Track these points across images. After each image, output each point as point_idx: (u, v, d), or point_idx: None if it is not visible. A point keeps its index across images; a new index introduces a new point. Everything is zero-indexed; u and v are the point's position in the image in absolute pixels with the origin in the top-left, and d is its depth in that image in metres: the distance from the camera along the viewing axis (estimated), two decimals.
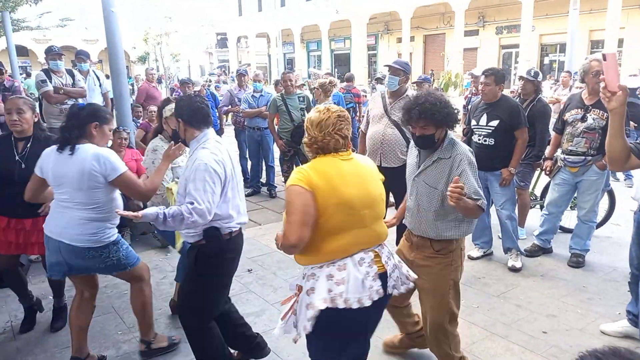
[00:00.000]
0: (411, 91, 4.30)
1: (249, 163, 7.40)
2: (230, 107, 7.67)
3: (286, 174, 6.59)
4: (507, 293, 3.88)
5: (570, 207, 4.89)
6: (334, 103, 6.05)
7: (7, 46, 12.39)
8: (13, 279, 3.50)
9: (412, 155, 2.74)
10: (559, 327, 3.38)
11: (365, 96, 10.68)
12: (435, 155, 2.56)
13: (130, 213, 2.33)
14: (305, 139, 2.15)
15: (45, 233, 2.74)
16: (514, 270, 4.27)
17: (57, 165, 2.64)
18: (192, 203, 2.38)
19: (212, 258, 2.59)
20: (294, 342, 2.21)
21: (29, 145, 3.13)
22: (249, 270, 4.38)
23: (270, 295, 3.91)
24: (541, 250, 4.64)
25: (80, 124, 2.68)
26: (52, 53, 5.80)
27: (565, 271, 4.30)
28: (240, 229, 2.73)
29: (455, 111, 2.53)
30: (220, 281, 2.70)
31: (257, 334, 3.02)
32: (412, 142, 2.76)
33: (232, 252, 2.69)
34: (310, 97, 7.07)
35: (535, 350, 3.09)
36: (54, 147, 2.70)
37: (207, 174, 2.42)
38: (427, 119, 2.47)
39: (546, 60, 23.61)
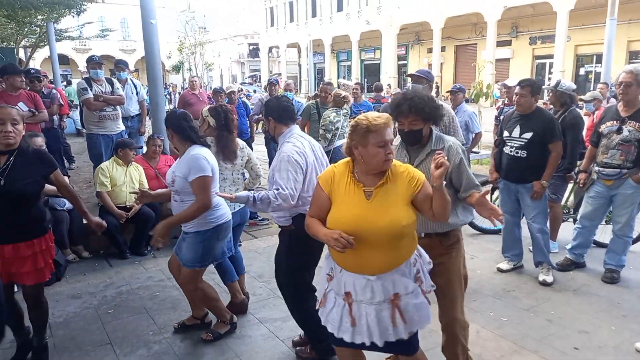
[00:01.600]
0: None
1: None
2: (261, 115, 7.80)
3: None
4: (538, 307, 3.81)
5: (605, 221, 4.76)
6: (364, 112, 6.15)
7: (50, 55, 12.95)
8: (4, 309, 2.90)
9: (400, 155, 2.66)
10: (592, 343, 3.30)
11: None
12: (428, 149, 2.61)
13: (226, 194, 2.71)
14: (348, 141, 2.23)
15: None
16: (544, 284, 4.18)
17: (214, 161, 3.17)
18: (277, 189, 2.73)
19: (302, 240, 2.77)
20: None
21: (12, 158, 2.76)
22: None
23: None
24: (574, 264, 4.53)
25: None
26: (93, 62, 6.05)
27: (599, 287, 4.18)
28: None
29: (440, 108, 2.61)
30: (310, 258, 3.03)
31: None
32: (397, 144, 2.72)
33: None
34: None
35: None
36: (202, 147, 3.16)
37: (290, 164, 2.77)
38: (416, 114, 2.52)
39: (582, 71, 23.09)
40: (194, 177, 3.00)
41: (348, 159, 2.26)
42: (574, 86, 4.67)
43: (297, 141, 2.89)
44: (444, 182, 2.11)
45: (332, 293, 2.29)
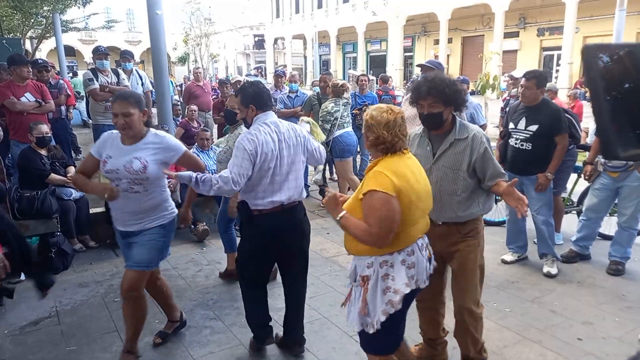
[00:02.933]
0: None
1: None
2: (238, 114, 7.78)
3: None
4: (542, 298, 3.81)
5: (610, 214, 4.75)
6: (369, 104, 6.12)
7: (56, 46, 12.97)
8: None
9: (421, 145, 2.68)
10: (596, 334, 3.30)
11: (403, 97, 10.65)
12: (452, 138, 2.58)
13: (168, 172, 2.73)
14: (372, 138, 2.20)
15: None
16: (549, 276, 4.18)
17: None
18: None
19: (245, 228, 3.02)
20: (369, 332, 2.24)
21: None
22: None
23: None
24: (579, 256, 4.52)
25: None
26: (99, 53, 6.07)
27: (604, 278, 4.18)
28: (279, 207, 2.87)
29: (463, 93, 2.56)
30: (250, 248, 2.97)
31: (303, 337, 3.17)
32: (413, 134, 2.74)
33: (259, 227, 2.89)
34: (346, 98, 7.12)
35: (570, 357, 3.03)
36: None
37: (238, 151, 2.75)
38: (436, 96, 2.49)
39: None
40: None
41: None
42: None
43: (257, 130, 2.82)
44: (341, 214, 2.17)
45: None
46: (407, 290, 2.17)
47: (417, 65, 4.52)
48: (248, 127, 2.95)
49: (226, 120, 4.04)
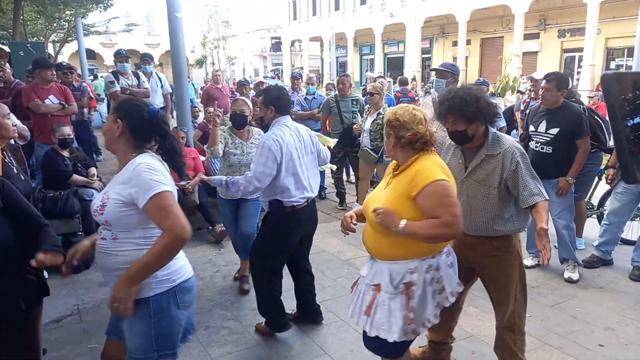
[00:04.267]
0: None
1: None
2: (258, 113, 7.80)
3: (336, 176, 6.64)
4: (563, 304, 3.76)
5: (632, 218, 4.65)
6: (388, 106, 6.09)
7: (78, 49, 13.24)
8: None
9: (455, 157, 2.65)
10: (618, 340, 3.24)
11: (418, 99, 10.59)
12: (483, 153, 2.51)
13: (203, 177, 3.11)
14: (409, 135, 2.17)
15: None
16: (570, 281, 4.12)
17: None
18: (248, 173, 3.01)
19: (274, 225, 3.18)
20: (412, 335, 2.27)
21: None
22: None
23: (319, 294, 3.95)
24: (601, 261, 4.44)
25: None
26: (120, 56, 6.18)
27: (626, 284, 4.10)
28: (306, 202, 3.18)
29: (490, 106, 2.46)
30: (280, 244, 3.20)
31: (318, 305, 3.53)
32: (448, 143, 2.71)
33: (293, 223, 3.15)
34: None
35: None
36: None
37: (263, 149, 2.97)
38: (455, 114, 2.44)
39: (612, 65, 22.42)
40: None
41: None
42: None
43: (280, 131, 3.07)
44: (402, 223, 2.08)
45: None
46: (460, 289, 2.25)
47: (431, 70, 4.50)
48: (263, 127, 3.17)
49: (234, 124, 3.90)
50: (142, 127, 1.99)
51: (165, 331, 1.99)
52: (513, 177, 2.46)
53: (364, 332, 2.34)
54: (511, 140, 2.55)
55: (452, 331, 2.95)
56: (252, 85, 9.00)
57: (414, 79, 21.95)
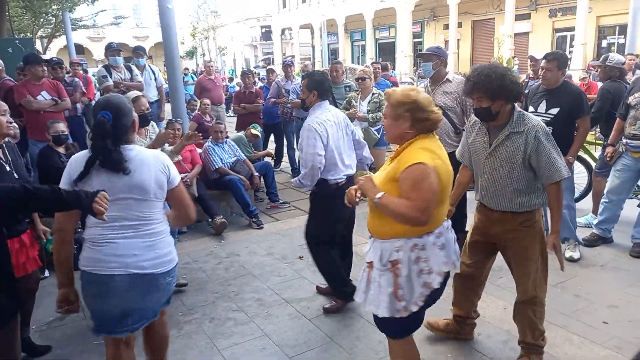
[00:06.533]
0: (452, 74, 4.24)
1: (297, 153, 7.49)
2: (277, 98, 7.76)
3: None
4: (565, 283, 3.78)
5: (632, 195, 4.67)
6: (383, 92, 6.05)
7: (67, 44, 13.06)
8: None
9: (480, 134, 2.70)
10: (621, 318, 3.27)
11: (412, 84, 10.55)
12: (507, 130, 2.56)
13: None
14: (423, 117, 2.17)
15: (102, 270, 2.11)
16: (571, 260, 4.14)
17: None
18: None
19: (322, 201, 3.41)
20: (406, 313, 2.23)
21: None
22: (300, 257, 4.47)
23: (322, 281, 3.97)
24: (601, 239, 4.47)
25: None
26: (112, 49, 6.09)
27: (627, 261, 4.13)
28: (347, 179, 3.38)
29: (515, 85, 2.49)
30: (330, 216, 3.40)
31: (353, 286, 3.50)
32: (474, 121, 2.77)
33: (340, 198, 3.22)
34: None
35: (596, 341, 3.00)
36: None
37: (310, 132, 3.20)
38: (480, 91, 2.50)
39: (604, 43, 22.40)
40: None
41: None
42: (623, 59, 4.58)
43: (321, 113, 3.30)
44: (380, 194, 2.11)
45: None
46: (447, 269, 2.22)
47: (417, 56, 4.53)
48: (305, 109, 3.44)
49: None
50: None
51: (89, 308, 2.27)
52: (536, 155, 2.51)
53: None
54: (536, 120, 2.59)
55: (476, 306, 3.01)
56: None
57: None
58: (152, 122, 4.02)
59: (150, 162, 2.18)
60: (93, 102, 7.54)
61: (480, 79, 2.48)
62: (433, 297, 2.25)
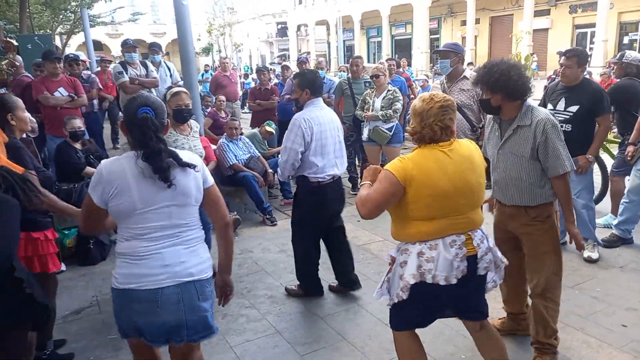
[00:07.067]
0: (469, 71, 4.17)
1: None
2: (292, 95, 7.72)
3: (347, 159, 6.60)
4: (583, 284, 3.70)
5: None
6: (398, 88, 6.00)
7: (85, 41, 13.20)
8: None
9: (493, 129, 2.76)
10: None
11: (427, 81, 10.48)
12: (515, 124, 2.59)
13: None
14: (408, 129, 2.28)
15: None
16: (590, 261, 4.05)
17: None
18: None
19: (304, 197, 3.49)
20: (388, 306, 2.39)
21: None
22: None
23: (332, 278, 3.95)
24: (620, 240, 4.37)
25: None
26: (128, 46, 6.13)
27: None
28: (332, 179, 3.46)
29: (520, 82, 2.52)
30: (314, 211, 3.48)
31: (355, 275, 3.71)
32: (489, 117, 2.82)
33: (320, 196, 3.44)
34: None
35: (614, 344, 2.94)
36: None
37: (294, 127, 3.28)
38: (480, 83, 2.60)
39: (625, 40, 21.94)
40: None
41: None
42: None
43: (311, 111, 3.36)
44: (362, 183, 2.36)
45: None
46: (412, 282, 2.16)
47: (433, 53, 4.48)
48: (298, 108, 3.48)
49: (178, 119, 3.53)
50: None
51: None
52: (544, 148, 2.53)
53: None
54: (545, 113, 2.60)
55: (526, 301, 2.99)
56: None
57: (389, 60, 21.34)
58: (194, 122, 3.83)
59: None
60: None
61: (482, 71, 2.58)
62: (412, 305, 2.23)
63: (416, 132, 2.19)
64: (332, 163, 3.44)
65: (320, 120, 3.34)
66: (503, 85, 2.50)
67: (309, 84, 3.36)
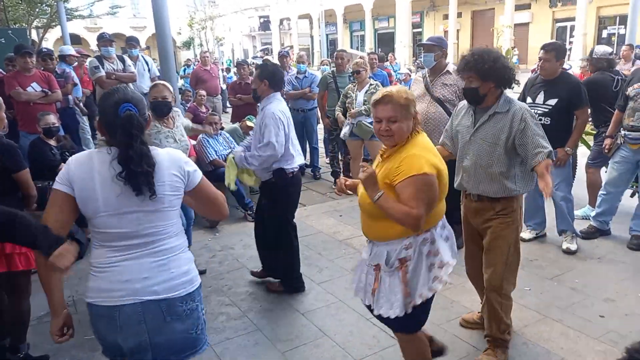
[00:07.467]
0: (452, 66, 4.17)
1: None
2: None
3: (331, 154, 6.56)
4: (562, 276, 3.74)
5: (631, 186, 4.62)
6: (380, 82, 5.98)
7: (62, 35, 12.91)
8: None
9: (466, 115, 2.74)
10: (618, 311, 3.23)
11: (409, 74, 10.48)
12: (492, 110, 2.59)
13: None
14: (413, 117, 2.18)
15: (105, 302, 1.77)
16: (568, 252, 4.10)
17: None
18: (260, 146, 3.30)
19: (283, 189, 3.51)
20: (411, 308, 2.17)
21: None
22: None
23: (316, 275, 3.94)
24: (598, 232, 4.42)
25: None
26: (104, 40, 6.00)
27: (625, 254, 4.09)
28: (299, 168, 3.55)
29: (507, 70, 2.53)
30: (290, 202, 3.62)
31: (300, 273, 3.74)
32: (461, 105, 2.81)
33: (296, 186, 3.62)
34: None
35: (592, 335, 2.97)
36: None
37: (274, 120, 3.29)
38: (471, 70, 2.53)
39: (604, 34, 22.27)
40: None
41: None
42: (610, 49, 4.58)
43: (278, 104, 3.41)
44: (380, 194, 2.04)
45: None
46: (455, 261, 2.20)
47: (418, 46, 4.48)
48: (257, 100, 3.51)
49: (156, 113, 3.50)
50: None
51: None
52: (521, 136, 2.53)
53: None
54: (521, 104, 2.62)
55: None
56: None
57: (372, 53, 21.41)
58: (178, 112, 3.77)
59: (165, 165, 1.77)
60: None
61: (473, 58, 2.52)
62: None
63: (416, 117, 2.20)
64: (299, 152, 3.57)
65: (286, 112, 3.43)
66: (494, 74, 2.50)
67: (269, 75, 3.38)
